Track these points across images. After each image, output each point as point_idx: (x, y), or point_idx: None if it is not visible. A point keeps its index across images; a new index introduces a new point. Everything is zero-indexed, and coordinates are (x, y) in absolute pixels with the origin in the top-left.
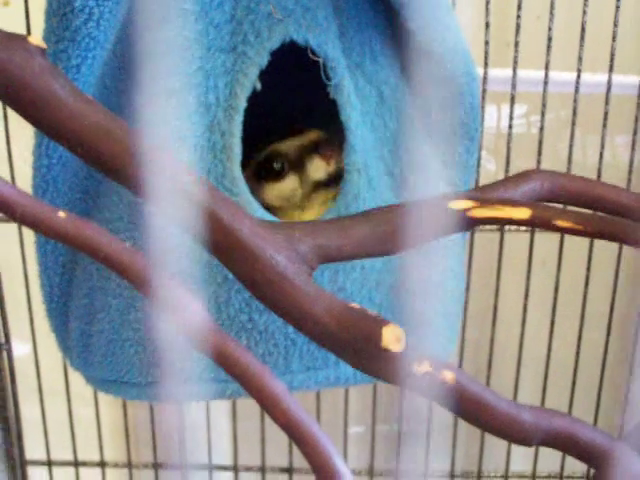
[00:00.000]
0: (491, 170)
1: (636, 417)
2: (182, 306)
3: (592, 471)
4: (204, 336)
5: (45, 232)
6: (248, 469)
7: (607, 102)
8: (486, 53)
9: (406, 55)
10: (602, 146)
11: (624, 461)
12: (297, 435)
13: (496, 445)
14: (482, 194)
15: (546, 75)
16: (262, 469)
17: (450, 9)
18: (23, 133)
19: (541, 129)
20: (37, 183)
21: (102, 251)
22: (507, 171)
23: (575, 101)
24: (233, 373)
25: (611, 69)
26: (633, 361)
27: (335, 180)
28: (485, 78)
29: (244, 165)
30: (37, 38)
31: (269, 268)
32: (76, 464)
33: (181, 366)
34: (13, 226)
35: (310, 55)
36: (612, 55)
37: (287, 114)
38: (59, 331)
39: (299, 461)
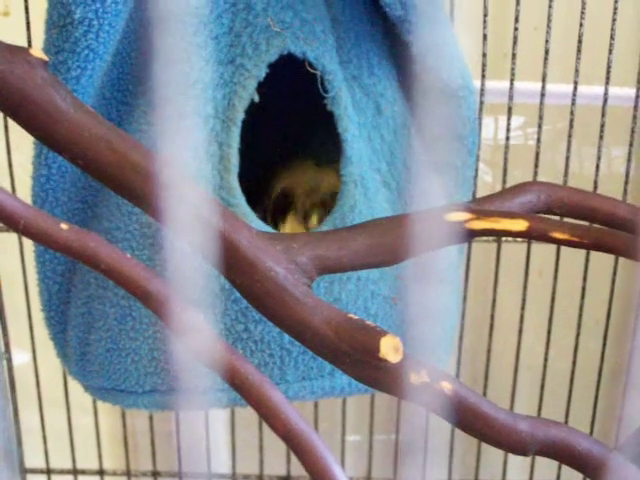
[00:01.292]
0: (488, 182)
1: (631, 427)
2: (182, 316)
3: None
4: (204, 345)
5: (47, 244)
6: (246, 477)
7: (604, 114)
8: (483, 65)
9: (403, 68)
10: (599, 158)
11: (619, 471)
12: (297, 445)
13: (493, 454)
14: (479, 206)
15: (543, 87)
16: (260, 477)
17: (448, 22)
18: (24, 143)
19: (538, 141)
20: (36, 193)
21: (103, 262)
22: (504, 182)
23: (572, 113)
24: (232, 383)
25: (608, 81)
26: (628, 371)
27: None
28: (482, 90)
29: (242, 176)
30: (39, 50)
31: (268, 279)
32: (75, 472)
33: (179, 375)
34: (13, 236)
35: (307, 68)
36: (609, 67)
37: (285, 126)
38: (58, 339)
39: (297, 469)
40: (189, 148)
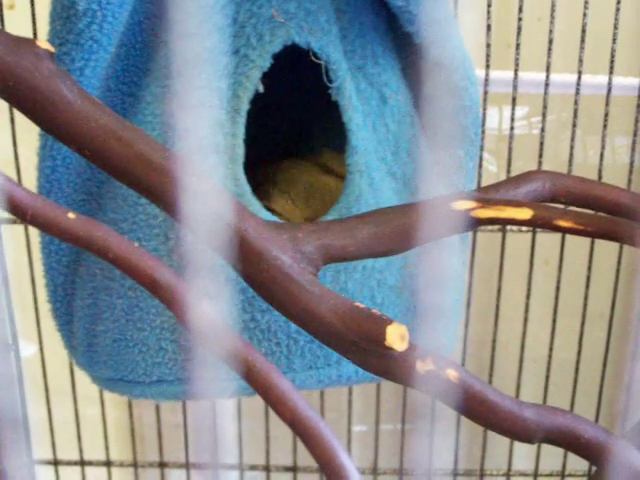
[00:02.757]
0: (493, 171)
1: (636, 415)
2: (189, 304)
3: (594, 469)
4: (212, 334)
5: (55, 233)
6: (253, 468)
7: (607, 103)
8: (487, 55)
9: (406, 58)
10: (603, 147)
11: (624, 457)
12: (303, 432)
13: (498, 443)
14: (485, 195)
15: (547, 77)
16: (267, 468)
17: (450, 13)
18: (30, 135)
19: (542, 130)
20: (41, 184)
21: (111, 251)
22: (509, 172)
23: (576, 102)
24: (240, 370)
25: (611, 71)
26: (634, 358)
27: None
28: (486, 80)
29: (247, 166)
30: (45, 42)
31: (274, 268)
32: (82, 463)
33: (187, 365)
34: (20, 228)
35: (312, 58)
36: (612, 57)
37: (290, 116)
38: (64, 330)
39: (303, 460)
40: (194, 138)
